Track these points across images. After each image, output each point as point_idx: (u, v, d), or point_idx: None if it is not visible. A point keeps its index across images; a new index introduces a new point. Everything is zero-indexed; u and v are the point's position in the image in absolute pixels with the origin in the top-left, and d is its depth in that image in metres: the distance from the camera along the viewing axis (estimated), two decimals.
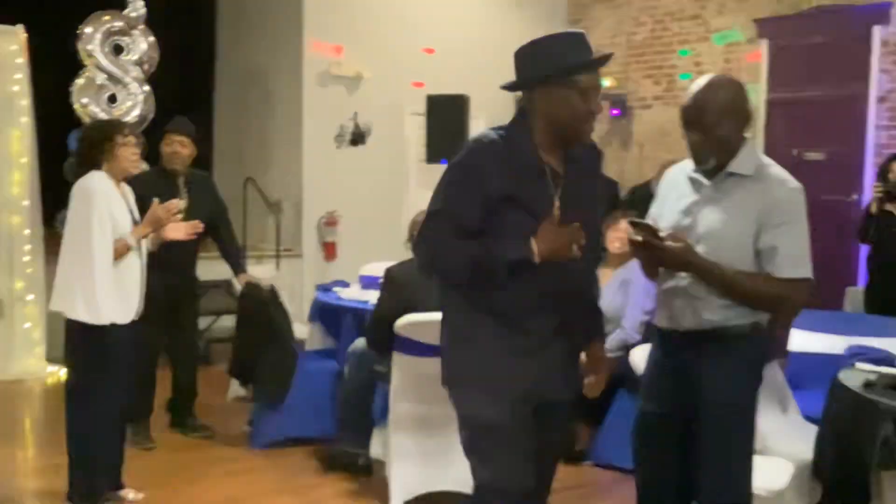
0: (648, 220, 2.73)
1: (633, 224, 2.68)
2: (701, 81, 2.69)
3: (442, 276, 2.52)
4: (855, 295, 6.01)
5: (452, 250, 2.38)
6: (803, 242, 2.63)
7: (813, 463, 3.21)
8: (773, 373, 3.84)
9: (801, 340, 4.46)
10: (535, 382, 2.43)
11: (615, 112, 8.41)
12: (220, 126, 8.75)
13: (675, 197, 2.76)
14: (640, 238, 2.64)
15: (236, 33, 8.60)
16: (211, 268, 5.49)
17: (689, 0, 7.97)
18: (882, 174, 5.63)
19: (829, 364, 3.58)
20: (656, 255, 2.67)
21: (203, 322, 6.14)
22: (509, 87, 2.49)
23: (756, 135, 7.37)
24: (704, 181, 2.70)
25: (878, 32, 6.60)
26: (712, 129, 2.61)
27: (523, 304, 2.39)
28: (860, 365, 3.37)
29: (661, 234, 2.64)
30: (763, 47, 7.34)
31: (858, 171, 6.75)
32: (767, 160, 2.72)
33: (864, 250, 6.05)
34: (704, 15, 7.82)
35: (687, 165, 2.78)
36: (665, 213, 2.78)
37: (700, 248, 2.62)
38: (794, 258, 2.60)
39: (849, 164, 6.82)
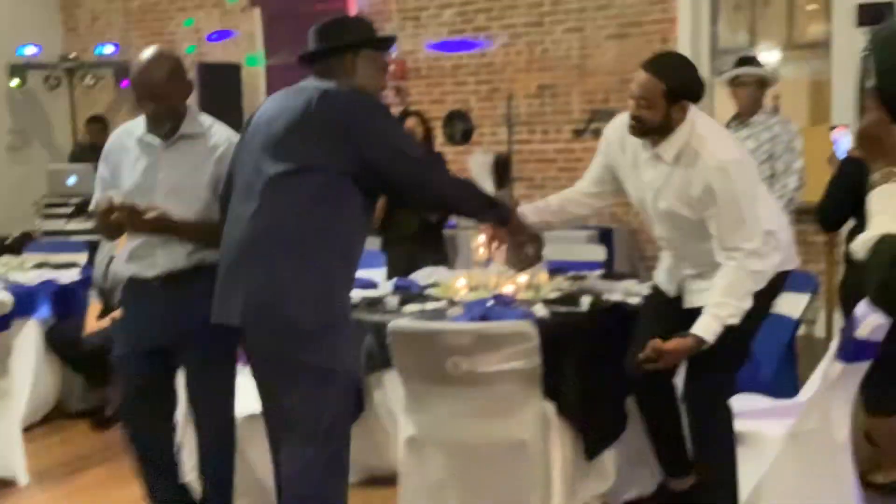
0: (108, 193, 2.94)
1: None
2: (144, 57, 2.93)
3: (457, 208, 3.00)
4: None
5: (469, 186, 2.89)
6: None
7: None
8: None
9: None
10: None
11: (124, 83, 8.25)
12: None
13: (130, 161, 2.98)
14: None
15: None
16: None
17: None
18: None
19: None
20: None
21: None
22: (318, 54, 2.66)
23: (260, 98, 7.81)
24: (156, 143, 2.96)
25: (354, 3, 7.37)
26: (165, 98, 2.89)
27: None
28: None
29: (116, 201, 2.85)
30: (256, 15, 7.76)
31: None
32: (210, 119, 3.07)
33: None
34: None
35: (134, 130, 3.02)
36: (124, 178, 2.98)
37: (166, 204, 2.88)
38: None
39: None
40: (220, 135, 3.03)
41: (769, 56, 6.07)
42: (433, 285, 3.98)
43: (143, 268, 2.98)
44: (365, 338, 3.38)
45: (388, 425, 3.48)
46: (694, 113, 2.88)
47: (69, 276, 4.79)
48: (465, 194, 2.80)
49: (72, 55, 8.13)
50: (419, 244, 5.14)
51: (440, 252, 5.28)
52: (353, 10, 7.35)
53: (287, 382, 2.54)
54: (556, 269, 3.87)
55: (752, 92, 4.63)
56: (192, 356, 3.00)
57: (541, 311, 3.27)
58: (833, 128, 4.64)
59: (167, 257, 2.95)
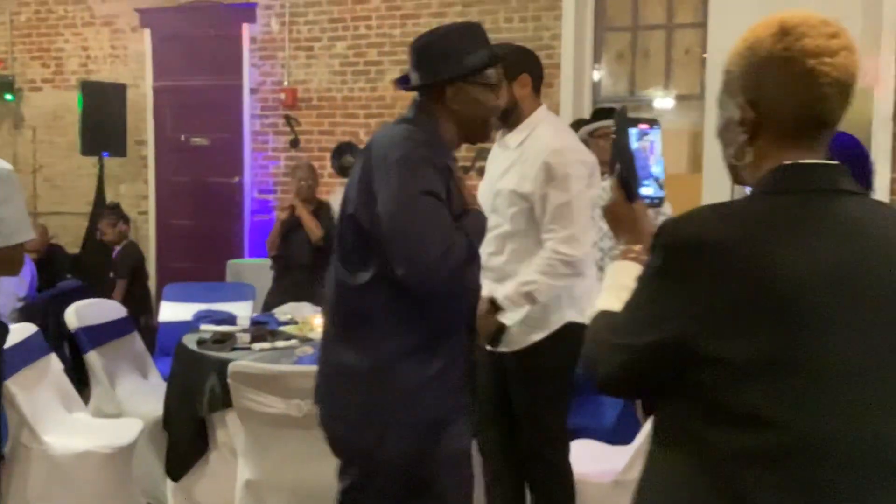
0: None
1: None
2: None
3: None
4: (234, 267, 6.66)
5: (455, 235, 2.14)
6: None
7: (163, 417, 3.60)
8: (133, 342, 4.18)
9: (169, 312, 4.89)
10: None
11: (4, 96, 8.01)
12: None
13: None
14: None
15: None
16: None
17: None
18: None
19: (188, 330, 4.01)
20: None
21: None
22: (413, 87, 2.31)
23: (147, 120, 7.67)
24: None
25: (247, 30, 7.31)
26: None
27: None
28: (204, 326, 3.85)
29: None
30: (146, 36, 7.63)
31: (239, 155, 7.43)
32: None
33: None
34: (89, 1, 7.84)
35: None
36: None
37: None
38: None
39: (231, 148, 7.46)
40: None
41: (653, 105, 6.28)
42: (291, 322, 3.95)
43: None
44: (209, 375, 3.32)
45: (232, 465, 3.41)
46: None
47: None
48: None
49: None
50: (310, 274, 5.05)
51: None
52: (245, 39, 7.30)
53: None
54: None
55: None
56: None
57: None
58: None
59: None
